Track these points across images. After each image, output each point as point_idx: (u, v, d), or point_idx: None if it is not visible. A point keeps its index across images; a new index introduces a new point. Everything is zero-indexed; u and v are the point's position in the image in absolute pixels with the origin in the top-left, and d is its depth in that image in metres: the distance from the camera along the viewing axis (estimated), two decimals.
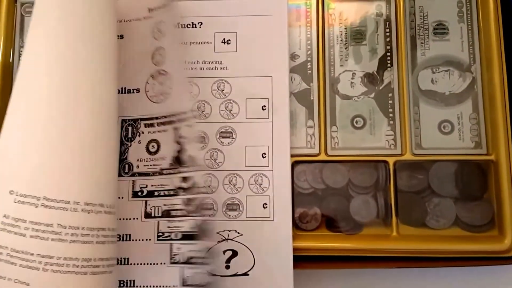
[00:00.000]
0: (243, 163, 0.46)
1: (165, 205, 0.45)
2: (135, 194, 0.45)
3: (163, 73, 0.46)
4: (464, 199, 0.46)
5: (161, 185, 0.45)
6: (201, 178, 0.44)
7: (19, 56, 0.52)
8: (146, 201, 0.45)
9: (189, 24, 0.49)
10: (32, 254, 0.33)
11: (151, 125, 0.46)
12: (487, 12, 0.48)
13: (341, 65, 0.50)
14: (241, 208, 0.46)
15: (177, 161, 0.44)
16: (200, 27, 0.49)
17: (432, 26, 0.49)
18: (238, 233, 0.45)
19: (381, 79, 0.49)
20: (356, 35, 0.50)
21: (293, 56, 0.50)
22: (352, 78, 0.49)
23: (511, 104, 0.46)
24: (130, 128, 0.46)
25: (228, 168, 0.46)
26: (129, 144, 0.46)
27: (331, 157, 0.48)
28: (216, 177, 0.46)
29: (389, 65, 0.49)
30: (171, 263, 0.44)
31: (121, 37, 0.48)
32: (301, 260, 0.45)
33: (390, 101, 0.49)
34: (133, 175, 0.46)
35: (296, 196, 0.48)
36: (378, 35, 0.50)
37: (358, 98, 0.49)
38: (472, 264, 0.45)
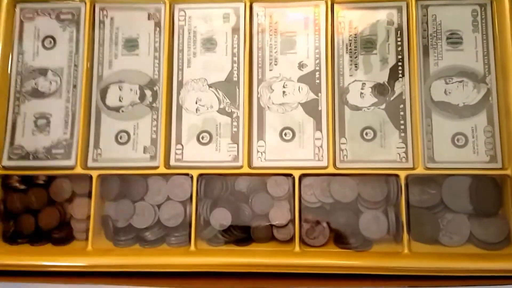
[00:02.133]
0: None
1: None
2: None
3: None
4: (478, 215, 0.46)
5: None
6: None
7: (17, 62, 0.52)
8: None
9: None
10: None
11: None
12: (503, 21, 0.47)
13: (350, 75, 0.49)
14: None
15: None
16: None
17: (445, 35, 0.49)
18: None
19: (392, 89, 0.48)
20: (366, 44, 0.50)
21: (300, 65, 0.50)
22: (362, 89, 0.49)
23: None
24: None
25: None
26: None
27: (340, 170, 0.47)
28: None
29: (400, 75, 0.49)
30: None
31: None
32: (306, 277, 0.45)
33: (402, 113, 0.48)
34: None
35: (303, 210, 0.47)
36: (389, 44, 0.49)
37: (368, 109, 0.49)
38: (487, 284, 0.44)
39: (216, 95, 0.50)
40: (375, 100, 0.49)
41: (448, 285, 0.44)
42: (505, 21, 0.47)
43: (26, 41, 0.52)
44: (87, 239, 0.48)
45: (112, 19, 0.52)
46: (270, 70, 0.50)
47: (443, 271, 0.44)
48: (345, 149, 0.48)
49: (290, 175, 0.47)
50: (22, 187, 0.50)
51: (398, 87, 0.48)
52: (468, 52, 0.48)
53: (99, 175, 0.49)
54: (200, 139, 0.50)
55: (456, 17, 0.49)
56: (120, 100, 0.51)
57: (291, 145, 0.49)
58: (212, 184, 0.49)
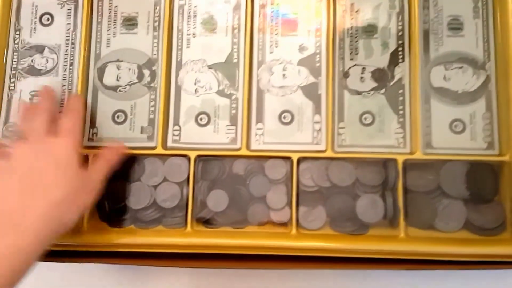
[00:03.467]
0: None
1: None
2: None
3: None
4: (475, 201, 0.47)
5: None
6: None
7: (14, 38, 0.52)
8: None
9: None
10: None
11: None
12: (504, 7, 0.48)
13: (351, 59, 0.50)
14: None
15: None
16: None
17: (446, 21, 0.50)
18: None
19: (392, 74, 0.49)
20: (368, 28, 0.50)
21: (301, 48, 0.50)
22: (362, 73, 0.50)
23: None
24: None
25: None
26: None
27: (338, 154, 0.48)
28: None
29: (400, 60, 0.49)
30: None
31: None
32: (304, 259, 0.46)
33: (401, 98, 0.49)
34: None
35: (300, 194, 0.48)
36: (390, 28, 0.50)
37: (367, 93, 0.49)
38: (482, 268, 0.45)
39: (215, 76, 0.50)
40: (375, 84, 0.49)
41: (443, 268, 0.45)
42: (506, 7, 0.47)
43: (24, 18, 0.52)
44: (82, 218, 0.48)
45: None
46: (271, 52, 0.50)
47: (439, 255, 0.45)
48: (344, 133, 0.49)
49: (288, 158, 0.48)
50: None
51: (398, 72, 0.49)
52: (469, 38, 0.49)
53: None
54: (199, 121, 0.50)
55: (457, 3, 0.50)
56: (117, 80, 0.51)
57: (290, 128, 0.49)
58: (210, 166, 0.49)
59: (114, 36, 0.52)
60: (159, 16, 0.52)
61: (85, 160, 0.49)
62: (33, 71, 0.52)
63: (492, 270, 0.45)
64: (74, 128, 0.46)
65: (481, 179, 0.47)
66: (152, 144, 0.50)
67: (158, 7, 0.52)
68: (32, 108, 0.48)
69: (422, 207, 0.47)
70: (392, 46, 0.50)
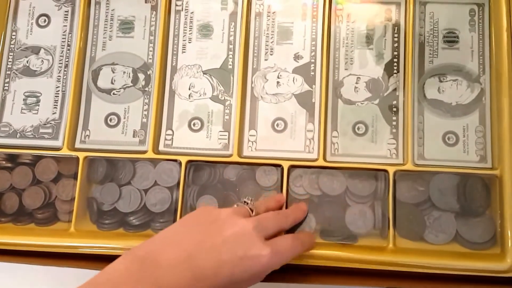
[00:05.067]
0: None
1: None
2: None
3: None
4: (465, 214, 0.47)
5: None
6: None
7: (11, 39, 0.53)
8: None
9: None
10: None
11: None
12: (499, 21, 0.49)
13: (345, 69, 0.51)
14: None
15: None
16: None
17: (442, 34, 0.51)
18: None
19: (386, 85, 0.50)
20: (363, 38, 0.51)
21: (296, 57, 0.51)
22: (356, 83, 0.51)
23: None
24: None
25: None
26: None
27: (330, 163, 0.49)
28: None
29: (395, 71, 0.50)
30: None
31: None
32: (293, 271, 0.46)
33: (394, 109, 0.50)
34: None
35: (291, 202, 0.49)
36: (385, 39, 0.51)
37: (361, 103, 0.50)
38: (471, 285, 0.45)
39: (210, 82, 0.52)
40: (369, 95, 0.50)
41: (430, 286, 0.45)
42: (501, 21, 0.48)
43: (21, 19, 0.54)
44: (70, 221, 0.49)
45: (108, 0, 0.54)
46: (266, 59, 0.52)
47: (428, 267, 0.45)
48: (336, 142, 0.50)
49: (279, 165, 0.49)
50: (8, 165, 0.52)
51: (392, 83, 0.50)
52: (464, 51, 0.50)
53: (86, 157, 0.50)
54: (192, 126, 0.51)
55: (453, 16, 0.51)
56: (112, 83, 0.52)
57: (283, 136, 0.50)
58: (201, 171, 0.50)
59: (110, 39, 0.53)
60: (155, 20, 0.53)
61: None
62: (28, 72, 0.53)
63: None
64: (286, 253, 0.41)
65: (472, 192, 0.47)
66: (143, 148, 0.51)
67: (154, 12, 0.53)
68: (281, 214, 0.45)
69: (412, 218, 0.47)
70: (387, 57, 0.51)
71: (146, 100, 0.52)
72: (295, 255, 0.42)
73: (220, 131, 0.51)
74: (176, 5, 0.53)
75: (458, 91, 0.50)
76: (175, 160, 0.50)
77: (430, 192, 0.48)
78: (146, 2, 0.53)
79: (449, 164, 0.48)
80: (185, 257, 0.36)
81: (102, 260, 0.47)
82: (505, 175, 0.46)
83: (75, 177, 0.50)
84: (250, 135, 0.50)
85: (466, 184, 0.47)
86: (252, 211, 0.42)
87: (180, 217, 0.48)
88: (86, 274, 0.56)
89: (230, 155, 0.50)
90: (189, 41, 0.53)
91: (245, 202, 0.44)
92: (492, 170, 0.47)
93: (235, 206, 0.43)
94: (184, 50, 0.52)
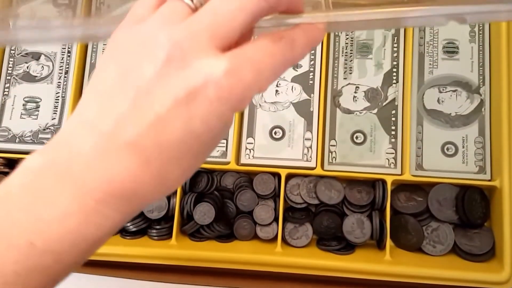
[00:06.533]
0: None
1: None
2: None
3: None
4: (463, 225, 0.48)
5: None
6: None
7: (10, 48, 0.54)
8: None
9: None
10: None
11: None
12: (498, 32, 0.49)
13: (344, 78, 0.51)
14: None
15: None
16: None
17: (442, 44, 0.51)
18: None
19: (385, 95, 0.51)
20: (362, 48, 0.52)
21: (295, 65, 0.52)
22: (355, 92, 0.51)
23: None
24: None
25: None
26: None
27: (328, 172, 0.49)
28: None
29: (394, 81, 0.51)
30: None
31: None
32: (286, 279, 0.46)
33: (393, 118, 0.50)
34: None
35: (288, 210, 0.49)
36: (385, 49, 0.52)
37: (360, 113, 0.51)
38: None
39: None
40: (368, 104, 0.51)
41: None
42: (501, 33, 0.49)
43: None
44: None
45: (108, 6, 0.54)
46: None
47: (424, 278, 0.45)
48: (334, 151, 0.50)
49: (277, 173, 0.50)
50: (6, 170, 0.52)
51: (391, 92, 0.51)
52: (464, 62, 0.51)
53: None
54: None
55: (453, 27, 0.51)
56: None
57: (281, 144, 0.51)
58: (198, 178, 0.51)
59: None
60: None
61: None
62: (28, 78, 0.54)
63: None
64: (260, 63, 0.24)
65: (470, 203, 0.47)
66: None
67: None
68: None
69: (410, 229, 0.48)
70: (387, 67, 0.51)
71: None
72: (282, 65, 0.24)
73: None
74: None
75: (458, 102, 0.50)
76: None
77: (429, 203, 0.48)
78: None
79: (448, 174, 0.48)
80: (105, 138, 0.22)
81: (98, 266, 0.48)
82: (504, 186, 0.46)
83: None
84: (248, 143, 0.51)
85: (465, 195, 0.47)
86: (195, 7, 0.24)
87: (178, 224, 0.49)
88: (80, 278, 0.56)
89: (228, 163, 0.50)
90: None
91: None
92: (491, 181, 0.48)
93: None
94: None
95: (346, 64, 0.52)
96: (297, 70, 0.52)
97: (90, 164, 0.22)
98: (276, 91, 0.52)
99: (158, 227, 0.50)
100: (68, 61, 0.54)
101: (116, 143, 0.22)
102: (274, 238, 0.49)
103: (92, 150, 0.22)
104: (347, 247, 0.48)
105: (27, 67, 0.54)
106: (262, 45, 0.24)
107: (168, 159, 0.23)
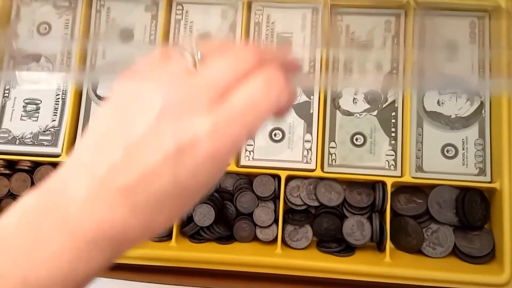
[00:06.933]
0: None
1: None
2: None
3: None
4: (464, 227, 0.48)
5: None
6: None
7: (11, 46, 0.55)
8: None
9: None
10: None
11: None
12: (499, 33, 0.49)
13: (344, 80, 0.52)
14: None
15: None
16: None
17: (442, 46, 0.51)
18: None
19: (385, 97, 0.51)
20: (362, 49, 0.52)
21: None
22: (355, 94, 0.51)
23: None
24: None
25: None
26: None
27: (327, 174, 0.49)
28: None
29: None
30: None
31: None
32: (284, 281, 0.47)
33: (393, 120, 0.50)
34: None
35: (287, 212, 0.49)
36: (385, 51, 0.52)
37: (360, 115, 0.51)
38: None
39: None
40: (368, 106, 0.51)
41: None
42: (501, 34, 0.49)
43: (22, 26, 0.55)
44: None
45: (108, 9, 0.55)
46: None
47: (424, 280, 0.45)
48: (334, 153, 0.50)
49: (277, 175, 0.50)
50: (6, 171, 0.53)
51: (391, 94, 0.51)
52: (464, 63, 0.51)
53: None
54: None
55: (453, 28, 0.52)
56: None
57: (280, 146, 0.51)
58: None
59: (110, 48, 0.54)
60: (155, 29, 0.54)
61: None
62: None
63: None
64: (243, 117, 0.24)
65: (471, 205, 0.47)
66: None
67: (154, 21, 0.54)
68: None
69: (410, 231, 0.48)
70: (386, 69, 0.51)
71: None
72: (263, 114, 0.24)
73: None
74: (176, 14, 0.54)
75: (458, 104, 0.50)
76: None
77: (429, 205, 0.48)
78: (146, 11, 0.54)
79: (448, 176, 0.48)
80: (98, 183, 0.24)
81: None
82: (504, 188, 0.46)
83: None
84: (247, 145, 0.51)
85: (465, 197, 0.47)
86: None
87: (178, 225, 0.49)
88: None
89: (228, 165, 0.50)
90: None
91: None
92: (491, 183, 0.48)
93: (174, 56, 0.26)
94: None
95: (346, 66, 0.52)
96: None
97: (83, 207, 0.24)
98: None
99: None
100: (68, 63, 0.54)
101: (109, 187, 0.24)
102: (274, 240, 0.49)
103: (86, 193, 0.24)
104: (347, 249, 0.48)
105: (28, 69, 0.54)
106: (251, 96, 0.24)
107: (155, 207, 0.24)
